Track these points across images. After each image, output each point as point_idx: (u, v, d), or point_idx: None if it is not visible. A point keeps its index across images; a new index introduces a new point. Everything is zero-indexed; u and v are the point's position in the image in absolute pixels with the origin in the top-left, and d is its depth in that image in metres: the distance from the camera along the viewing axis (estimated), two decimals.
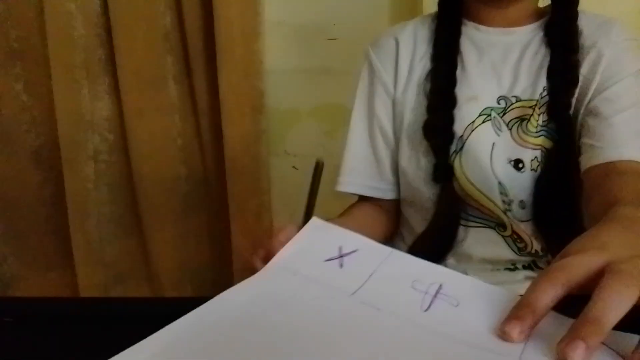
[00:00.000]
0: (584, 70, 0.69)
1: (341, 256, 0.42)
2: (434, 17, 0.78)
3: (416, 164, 0.74)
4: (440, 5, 0.77)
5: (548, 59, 0.70)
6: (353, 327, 0.35)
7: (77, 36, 1.10)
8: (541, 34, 0.72)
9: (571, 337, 0.29)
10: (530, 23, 0.73)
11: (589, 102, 0.68)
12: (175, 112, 1.17)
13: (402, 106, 0.76)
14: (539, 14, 0.74)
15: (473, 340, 0.33)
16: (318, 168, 0.52)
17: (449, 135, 0.71)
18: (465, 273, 0.68)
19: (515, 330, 0.31)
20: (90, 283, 1.23)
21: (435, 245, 0.73)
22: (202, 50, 1.12)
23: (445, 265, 0.69)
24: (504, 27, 0.73)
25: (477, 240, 0.72)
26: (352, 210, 0.79)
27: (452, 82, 0.72)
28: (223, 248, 1.24)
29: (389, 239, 0.82)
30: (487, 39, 0.73)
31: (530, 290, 0.32)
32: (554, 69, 0.69)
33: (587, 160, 0.64)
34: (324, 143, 1.21)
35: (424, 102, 0.73)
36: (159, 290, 1.25)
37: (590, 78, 0.68)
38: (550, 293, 0.32)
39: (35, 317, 0.43)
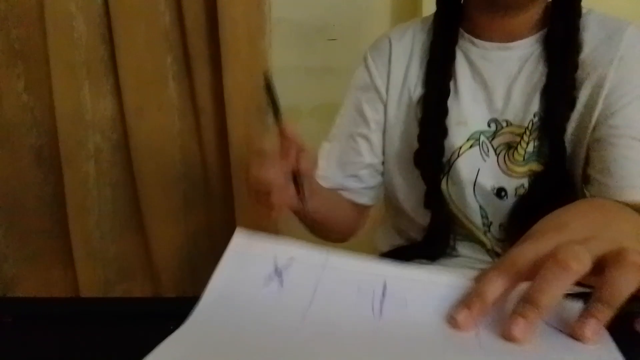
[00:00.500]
0: (584, 94, 0.64)
1: (278, 270, 0.40)
2: (430, 28, 0.73)
3: (407, 188, 0.75)
4: (437, 16, 0.73)
5: (544, 78, 0.65)
6: (314, 353, 0.33)
7: (77, 36, 1.10)
8: (540, 48, 0.67)
9: (513, 315, 0.33)
10: (531, 35, 0.67)
11: (594, 130, 0.62)
12: (175, 111, 1.17)
13: (393, 129, 0.74)
14: (540, 24, 0.68)
15: (430, 336, 0.35)
16: (267, 79, 0.53)
17: (440, 164, 0.70)
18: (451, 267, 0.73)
19: (461, 316, 0.34)
20: (91, 282, 1.23)
21: (426, 255, 0.74)
22: (203, 49, 1.12)
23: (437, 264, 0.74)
24: (502, 40, 0.68)
25: (464, 250, 0.73)
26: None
27: (443, 111, 0.69)
28: (224, 247, 1.24)
29: (352, 235, 0.81)
30: (483, 54, 0.69)
31: (480, 280, 0.35)
32: (549, 88, 0.65)
33: (596, 195, 0.61)
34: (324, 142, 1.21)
35: (414, 129, 0.71)
36: (160, 289, 1.25)
37: (592, 104, 0.63)
38: (499, 285, 0.34)
39: (35, 317, 0.43)
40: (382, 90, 0.75)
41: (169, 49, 1.13)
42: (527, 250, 0.35)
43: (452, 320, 0.34)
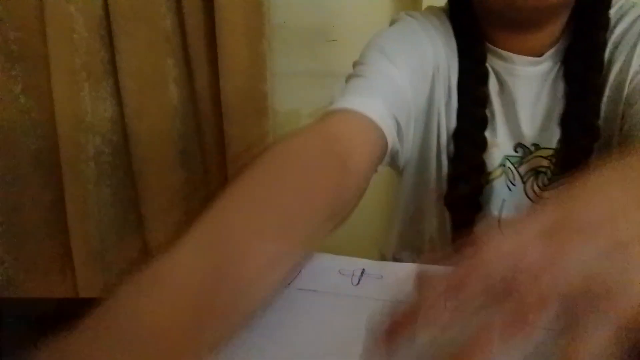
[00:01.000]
0: (610, 90, 0.56)
1: None
2: (447, 26, 0.61)
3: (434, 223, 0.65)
4: (456, 27, 0.61)
5: (564, 100, 0.58)
6: (295, 312, 0.38)
7: (78, 38, 1.09)
8: (559, 61, 0.59)
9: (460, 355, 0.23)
10: (554, 46, 0.58)
11: (623, 125, 0.54)
12: (176, 115, 1.17)
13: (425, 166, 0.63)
14: (560, 33, 0.59)
15: (402, 298, 0.35)
16: None
17: (476, 207, 0.59)
18: None
19: (385, 328, 0.26)
20: (91, 285, 1.22)
21: None
22: (204, 52, 1.12)
23: None
24: (528, 54, 0.58)
25: None
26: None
27: (481, 143, 0.59)
28: None
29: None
30: (510, 69, 0.59)
31: (427, 284, 0.26)
32: (567, 115, 0.57)
33: None
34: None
35: (444, 168, 0.61)
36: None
37: (618, 94, 0.55)
38: (442, 303, 0.25)
39: (35, 317, 0.43)
40: (431, 65, 0.59)
41: (169, 52, 1.13)
42: (502, 259, 0.25)
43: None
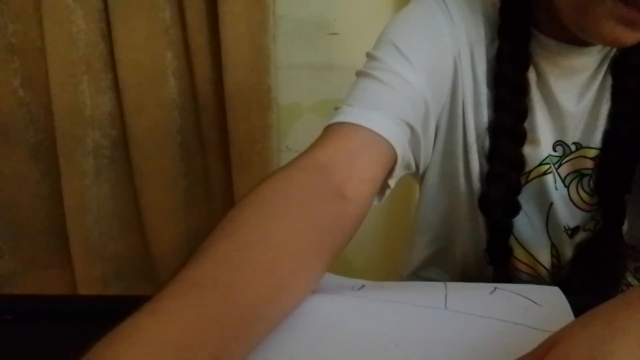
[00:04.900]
0: None
1: None
2: (492, 23, 0.54)
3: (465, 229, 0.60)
4: (504, 8, 0.54)
5: (612, 96, 0.54)
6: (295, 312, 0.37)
7: (76, 31, 1.08)
8: (609, 54, 0.54)
9: None
10: None
11: None
12: (175, 108, 1.16)
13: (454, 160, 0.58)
14: None
15: (403, 300, 0.39)
16: None
17: (514, 208, 0.55)
18: None
19: None
20: (89, 280, 1.22)
21: None
22: (204, 45, 1.11)
23: None
24: (575, 43, 0.52)
25: None
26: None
27: (521, 135, 0.54)
28: None
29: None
30: (551, 58, 0.53)
31: None
32: (616, 112, 0.53)
33: None
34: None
35: (473, 166, 0.57)
36: (159, 288, 1.24)
37: None
38: None
39: (35, 315, 0.42)
40: (452, 57, 0.54)
41: (169, 45, 1.12)
42: None
43: None
